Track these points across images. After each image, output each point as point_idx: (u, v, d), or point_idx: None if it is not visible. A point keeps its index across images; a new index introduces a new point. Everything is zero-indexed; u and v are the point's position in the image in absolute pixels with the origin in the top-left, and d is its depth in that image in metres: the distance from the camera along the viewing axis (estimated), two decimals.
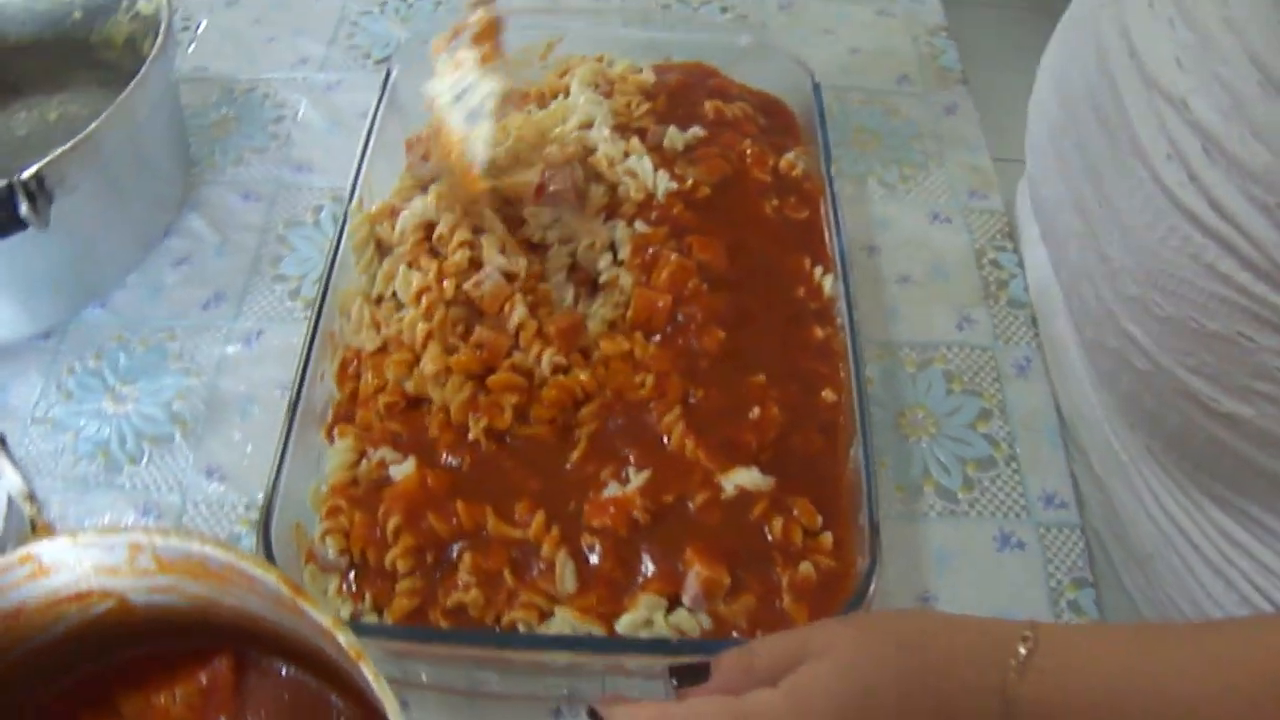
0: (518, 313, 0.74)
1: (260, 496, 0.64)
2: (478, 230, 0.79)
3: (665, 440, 0.69)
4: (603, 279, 0.78)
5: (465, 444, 0.69)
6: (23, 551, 0.49)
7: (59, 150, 0.75)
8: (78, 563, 0.50)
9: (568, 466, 0.69)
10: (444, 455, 0.69)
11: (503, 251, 0.77)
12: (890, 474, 0.78)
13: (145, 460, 0.79)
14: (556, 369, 0.72)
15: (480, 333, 0.73)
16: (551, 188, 0.80)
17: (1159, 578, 0.72)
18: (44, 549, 0.49)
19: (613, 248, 0.79)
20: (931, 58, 1.10)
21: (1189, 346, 0.60)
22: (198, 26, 1.12)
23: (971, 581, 0.74)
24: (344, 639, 0.45)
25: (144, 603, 0.52)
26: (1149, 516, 0.72)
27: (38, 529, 0.50)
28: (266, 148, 1.01)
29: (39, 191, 0.73)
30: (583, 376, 0.72)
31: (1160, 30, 0.58)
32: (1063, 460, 0.80)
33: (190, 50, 1.10)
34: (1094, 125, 0.64)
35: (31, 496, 0.50)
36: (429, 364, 0.71)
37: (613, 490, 0.66)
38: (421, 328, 0.73)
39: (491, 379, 0.71)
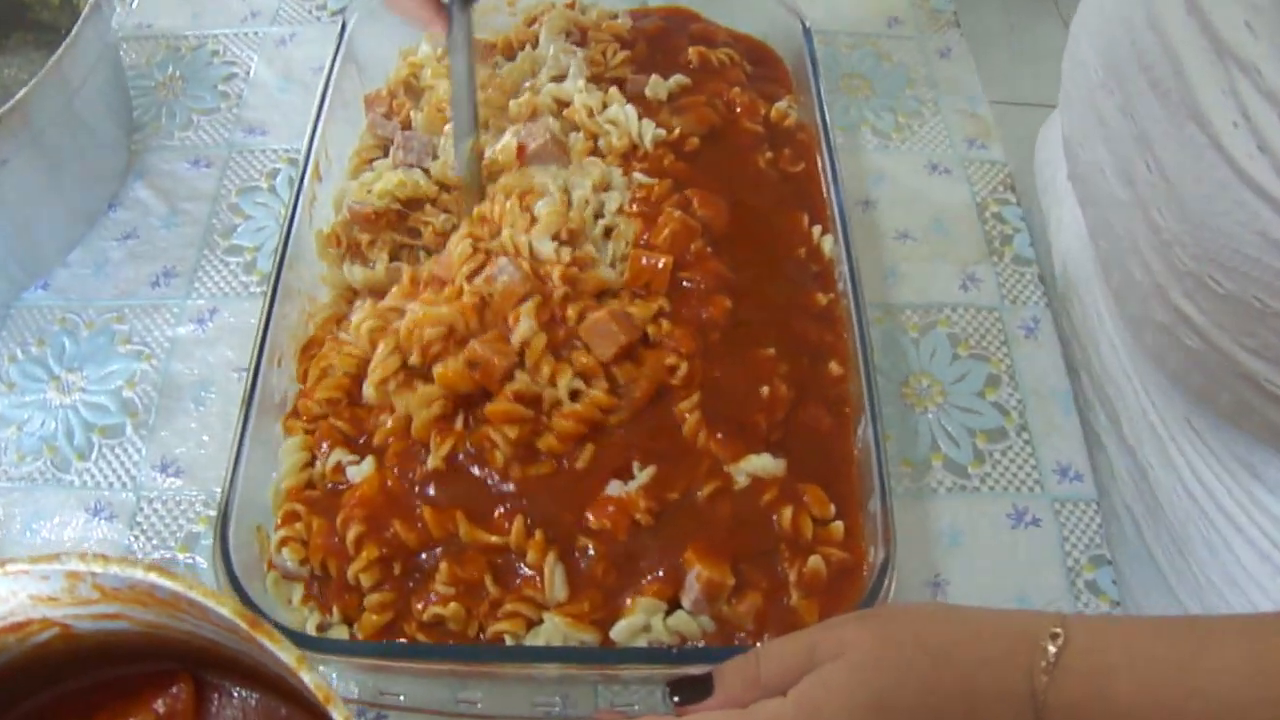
0: (523, 326, 0.62)
1: (219, 491, 0.59)
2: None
3: (679, 428, 0.62)
4: (606, 220, 0.70)
5: (419, 460, 0.61)
6: None
7: None
8: (11, 594, 0.45)
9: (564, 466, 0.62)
10: (394, 468, 0.61)
11: (557, 238, 0.66)
12: (896, 448, 0.73)
13: (95, 455, 0.74)
14: (575, 394, 0.62)
15: (474, 348, 0.62)
16: (531, 146, 0.73)
17: (1194, 553, 0.69)
18: None
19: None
20: None
21: (1250, 327, 0.55)
22: None
23: (984, 562, 0.69)
24: (310, 679, 0.40)
25: (90, 629, 0.47)
26: (1187, 492, 0.68)
27: None
28: (216, 109, 0.94)
29: None
30: (597, 393, 0.62)
31: None
32: (1076, 429, 0.75)
33: (133, 6, 1.02)
34: (1145, 88, 0.59)
35: None
36: (377, 370, 0.62)
37: (615, 489, 0.60)
38: (368, 325, 0.65)
39: (491, 408, 0.61)
